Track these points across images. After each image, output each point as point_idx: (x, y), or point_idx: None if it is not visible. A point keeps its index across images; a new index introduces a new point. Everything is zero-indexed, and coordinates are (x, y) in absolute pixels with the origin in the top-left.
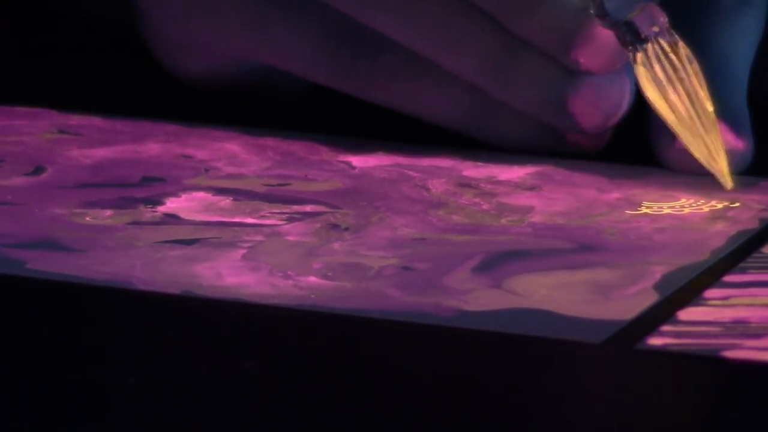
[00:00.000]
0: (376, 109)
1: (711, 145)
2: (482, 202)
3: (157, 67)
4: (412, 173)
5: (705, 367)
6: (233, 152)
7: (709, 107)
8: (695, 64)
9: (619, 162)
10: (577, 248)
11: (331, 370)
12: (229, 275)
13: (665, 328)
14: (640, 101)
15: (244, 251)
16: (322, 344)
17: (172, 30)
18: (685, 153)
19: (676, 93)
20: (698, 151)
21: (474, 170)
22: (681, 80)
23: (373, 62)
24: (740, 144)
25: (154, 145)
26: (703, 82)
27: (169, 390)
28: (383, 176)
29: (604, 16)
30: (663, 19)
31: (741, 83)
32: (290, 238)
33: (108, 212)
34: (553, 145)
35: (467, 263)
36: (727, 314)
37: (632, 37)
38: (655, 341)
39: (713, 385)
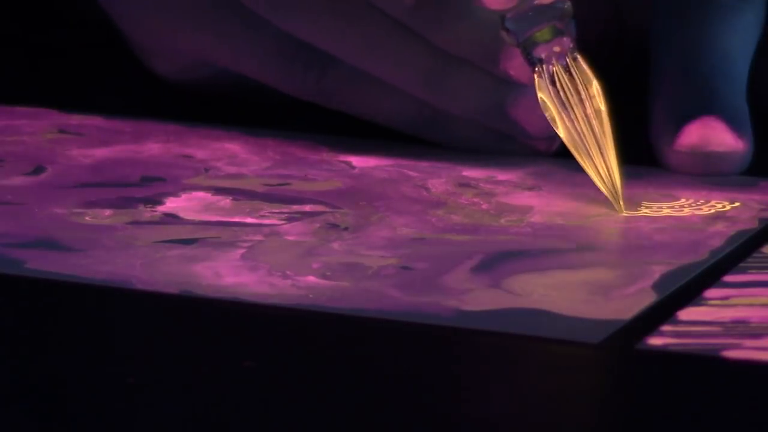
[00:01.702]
0: None
1: (607, 166)
2: (481, 202)
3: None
4: (411, 173)
5: (705, 367)
6: (233, 152)
7: (608, 129)
8: (595, 85)
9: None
10: (576, 248)
11: (330, 369)
12: (228, 275)
13: (665, 328)
14: (640, 101)
15: (243, 251)
16: (321, 344)
17: (135, 32)
18: (684, 154)
19: (572, 113)
20: (591, 172)
21: (473, 170)
22: (580, 101)
23: (323, 72)
24: (740, 144)
25: (154, 144)
26: (603, 103)
27: (169, 390)
28: (383, 176)
29: (508, 34)
30: (566, 39)
31: (740, 81)
32: (289, 237)
33: (107, 212)
34: (506, 146)
35: (466, 263)
36: (727, 314)
37: (533, 56)
38: (655, 341)
39: (713, 385)
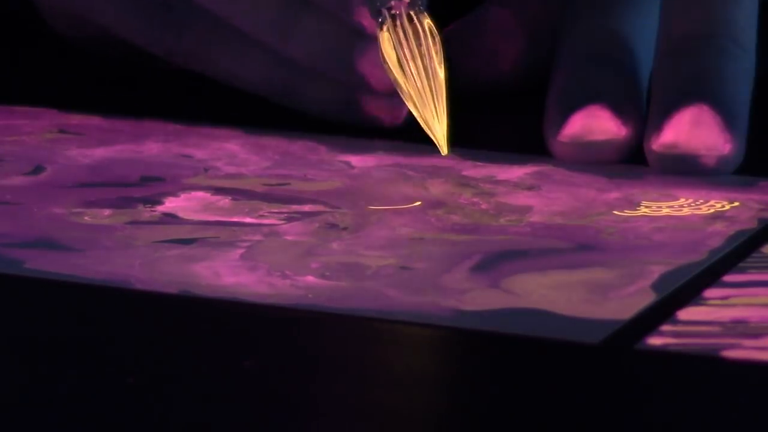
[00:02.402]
0: None
1: (436, 112)
2: (481, 202)
3: (158, 67)
4: (411, 173)
5: (704, 367)
6: (233, 152)
7: (442, 80)
8: (437, 39)
9: (618, 162)
10: (575, 248)
11: (330, 369)
12: (227, 275)
13: (665, 327)
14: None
15: (242, 251)
16: (320, 344)
17: None
18: (568, 144)
19: (412, 62)
20: (421, 115)
21: (473, 170)
22: (420, 53)
23: (181, 31)
24: (623, 131)
25: (153, 144)
26: (441, 56)
27: (168, 389)
28: (383, 176)
29: None
30: None
31: (633, 66)
32: (289, 237)
33: (107, 212)
34: (353, 116)
35: (465, 263)
36: (727, 314)
37: (378, 8)
38: (654, 341)
39: (713, 385)
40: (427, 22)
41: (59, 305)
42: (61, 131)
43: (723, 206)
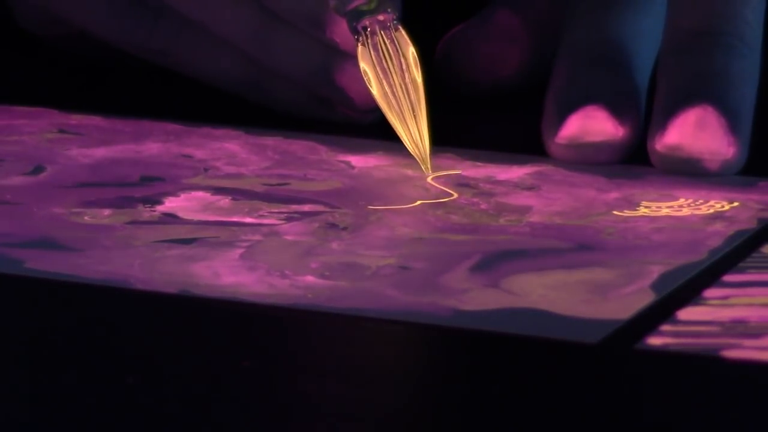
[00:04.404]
0: None
1: (418, 131)
2: (481, 202)
3: (157, 67)
4: (411, 173)
5: (704, 367)
6: (233, 152)
7: (422, 97)
8: (413, 55)
9: (616, 162)
10: (575, 248)
11: (330, 369)
12: (226, 274)
13: (664, 327)
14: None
15: (241, 251)
16: (320, 344)
17: None
18: (565, 146)
19: (389, 80)
20: (402, 134)
21: (473, 170)
22: (399, 70)
23: (153, 27)
24: (620, 132)
25: (153, 144)
26: (419, 73)
27: (168, 389)
28: (382, 176)
29: (335, 2)
30: (389, 11)
31: (631, 66)
32: (288, 237)
33: (107, 212)
34: (325, 113)
35: (465, 263)
36: (727, 314)
37: (356, 26)
38: (654, 341)
39: (712, 384)
40: (403, 36)
41: (59, 305)
42: (61, 131)
43: (723, 206)
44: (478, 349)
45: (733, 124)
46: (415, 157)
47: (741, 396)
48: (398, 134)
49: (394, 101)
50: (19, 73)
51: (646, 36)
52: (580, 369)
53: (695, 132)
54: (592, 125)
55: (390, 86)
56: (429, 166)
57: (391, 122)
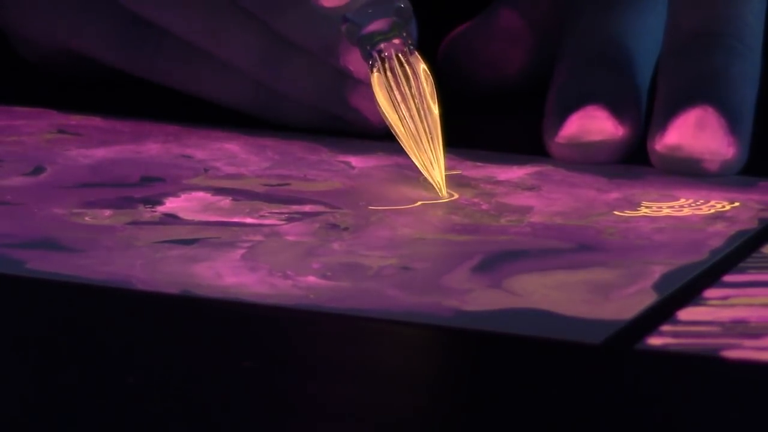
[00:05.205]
0: None
1: (432, 156)
2: (481, 202)
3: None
4: (411, 173)
5: (705, 367)
6: (233, 152)
7: (437, 125)
8: (429, 78)
9: (618, 162)
10: (576, 248)
11: (330, 370)
12: (228, 275)
13: (665, 327)
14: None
15: (243, 251)
16: (321, 344)
17: None
18: (565, 145)
19: (405, 105)
20: (417, 160)
21: (473, 170)
22: (413, 95)
23: (157, 48)
24: (619, 131)
25: (153, 145)
26: (435, 101)
27: (168, 390)
28: (382, 176)
29: (347, 29)
30: (403, 36)
31: (632, 66)
32: (289, 238)
33: (107, 212)
34: (341, 127)
35: (466, 263)
36: (727, 314)
37: (369, 51)
38: (654, 341)
39: (713, 385)
40: (419, 61)
41: (60, 305)
42: (61, 131)
43: (723, 206)
44: (479, 349)
45: (733, 125)
46: (432, 183)
47: (741, 396)
48: (414, 161)
49: (411, 126)
50: (19, 73)
51: (647, 36)
52: (581, 369)
53: (695, 132)
54: (593, 125)
55: (408, 111)
56: (445, 192)
57: (407, 149)
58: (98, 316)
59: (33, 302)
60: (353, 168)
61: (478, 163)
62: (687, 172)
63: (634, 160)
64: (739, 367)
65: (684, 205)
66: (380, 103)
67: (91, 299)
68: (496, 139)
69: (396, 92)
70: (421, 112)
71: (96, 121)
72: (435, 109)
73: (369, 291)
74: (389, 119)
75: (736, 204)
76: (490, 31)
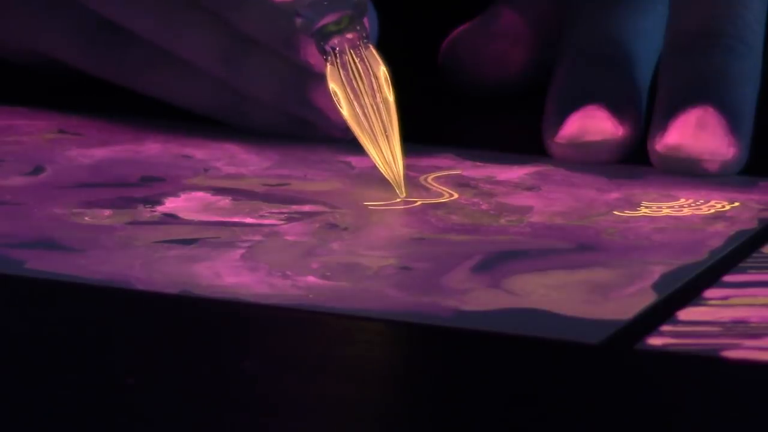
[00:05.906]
0: None
1: (390, 153)
2: (481, 202)
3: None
4: (411, 173)
5: (704, 367)
6: (232, 152)
7: (394, 117)
8: (384, 74)
9: (618, 162)
10: (576, 248)
11: (330, 369)
12: (227, 275)
13: (665, 328)
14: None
15: (242, 251)
16: (321, 344)
17: None
18: (564, 145)
19: (362, 101)
20: (374, 157)
21: (473, 170)
22: (369, 90)
23: (125, 51)
24: (619, 131)
25: (153, 145)
26: (391, 93)
27: (168, 390)
28: (382, 176)
29: (302, 23)
30: (358, 29)
31: (633, 65)
32: (289, 237)
33: (107, 212)
34: (305, 132)
35: (466, 263)
36: (727, 314)
37: (323, 46)
38: (654, 341)
39: (713, 385)
40: (374, 55)
41: (60, 305)
42: (61, 131)
43: (723, 206)
44: (479, 349)
45: (733, 125)
46: (389, 179)
47: (741, 396)
48: (370, 156)
49: (365, 122)
50: (19, 73)
51: (647, 36)
52: (581, 369)
53: (695, 132)
54: (592, 125)
55: (361, 106)
56: (403, 189)
57: (363, 144)
58: (97, 315)
59: (32, 302)
60: (353, 168)
61: (478, 163)
62: (687, 172)
63: (634, 160)
64: (739, 367)
65: (684, 205)
66: (335, 98)
67: (90, 299)
68: (497, 139)
69: (351, 86)
70: (377, 106)
71: (96, 120)
72: (392, 105)
73: (368, 291)
74: (345, 114)
75: (736, 204)
76: (491, 31)
